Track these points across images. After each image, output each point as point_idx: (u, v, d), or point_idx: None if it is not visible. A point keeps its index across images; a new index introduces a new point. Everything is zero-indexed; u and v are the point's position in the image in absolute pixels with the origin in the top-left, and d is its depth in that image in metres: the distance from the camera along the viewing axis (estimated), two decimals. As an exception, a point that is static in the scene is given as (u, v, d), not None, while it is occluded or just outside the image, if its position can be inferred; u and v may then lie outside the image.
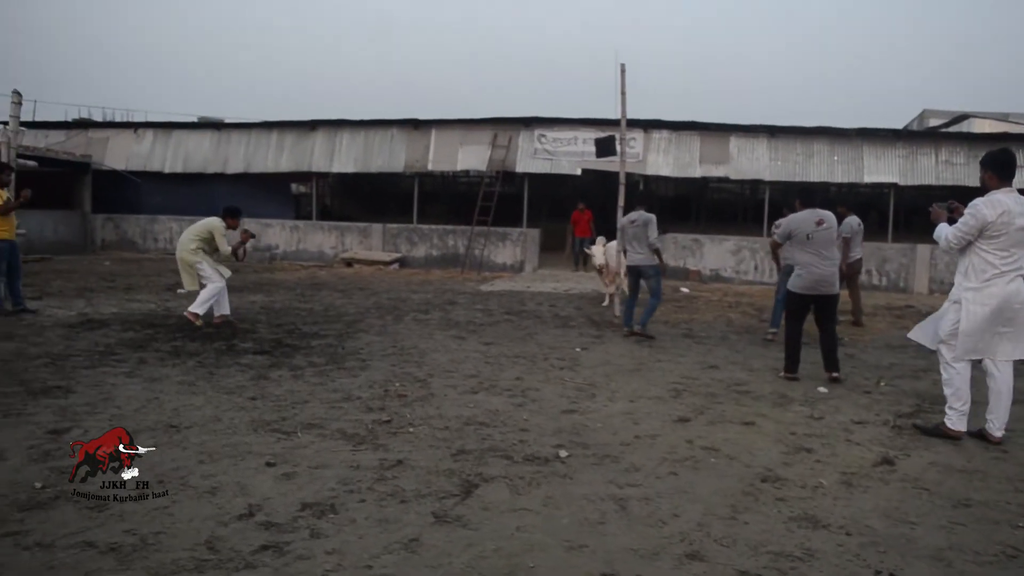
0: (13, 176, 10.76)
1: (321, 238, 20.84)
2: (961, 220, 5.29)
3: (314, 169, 21.18)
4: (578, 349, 8.73)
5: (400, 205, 23.28)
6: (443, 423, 5.48)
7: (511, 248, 19.68)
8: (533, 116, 19.85)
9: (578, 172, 19.57)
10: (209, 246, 9.52)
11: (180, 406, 5.74)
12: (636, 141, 19.17)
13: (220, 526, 3.57)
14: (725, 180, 19.52)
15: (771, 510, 4.01)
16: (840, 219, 9.68)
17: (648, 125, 19.29)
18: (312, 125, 21.21)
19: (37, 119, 23.52)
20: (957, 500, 4.23)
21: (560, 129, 19.53)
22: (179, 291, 9.83)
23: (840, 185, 20.33)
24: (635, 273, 9.71)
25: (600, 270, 12.61)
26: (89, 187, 21.43)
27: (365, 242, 20.47)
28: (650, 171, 19.41)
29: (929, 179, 18.04)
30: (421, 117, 20.60)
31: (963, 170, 17.59)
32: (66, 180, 21.40)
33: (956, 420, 5.36)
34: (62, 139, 22.06)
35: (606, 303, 12.52)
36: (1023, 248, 5.14)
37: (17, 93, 15.50)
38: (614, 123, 19.23)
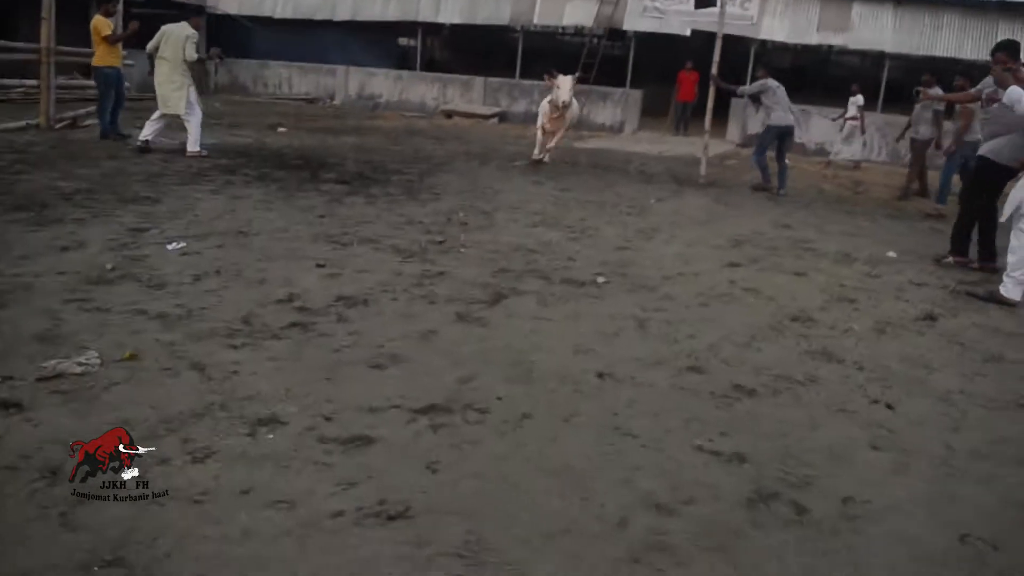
0: (120, 7, 11.12)
1: (423, 89, 20.89)
2: None
3: (420, 19, 20.95)
4: (652, 200, 8.68)
5: (506, 61, 22.84)
6: (494, 247, 5.66)
7: (612, 108, 19.25)
8: (645, -33, 18.87)
9: (687, 33, 18.68)
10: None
11: (253, 217, 6.11)
12: (751, 3, 18.06)
13: (259, 307, 3.90)
14: (845, 50, 18.22)
15: (790, 343, 4.05)
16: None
17: (765, -17, 18.09)
18: (420, -28, 20.85)
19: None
20: (990, 355, 4.13)
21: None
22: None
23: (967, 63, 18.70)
24: (785, 134, 10.16)
25: (552, 114, 10.34)
26: (204, 31, 21.95)
27: (467, 95, 20.41)
28: (763, 35, 18.33)
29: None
30: (529, -33, 19.90)
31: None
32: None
33: (1012, 288, 5.14)
34: (178, -20, 22.53)
35: (539, 154, 10.77)
36: None
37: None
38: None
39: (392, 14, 21.14)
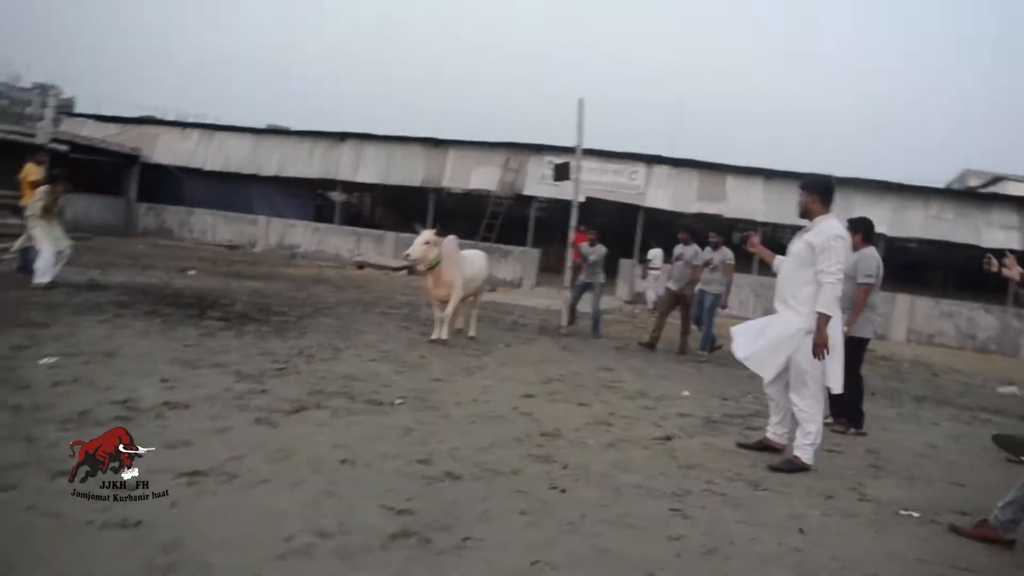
0: (46, 157, 12.33)
1: (339, 241, 22.39)
2: None
3: (340, 177, 22.82)
4: (501, 345, 9.89)
5: (435, 218, 24.38)
6: (324, 375, 6.73)
7: (512, 265, 20.91)
8: (544, 143, 21.12)
9: (582, 199, 20.70)
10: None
11: (126, 343, 7.11)
12: (638, 174, 20.32)
13: (96, 405, 4.91)
14: (719, 217, 20.38)
15: (523, 450, 5.13)
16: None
17: (650, 160, 20.42)
18: (341, 137, 22.88)
19: (103, 112, 25.77)
20: (690, 463, 5.27)
21: (568, 157, 20.72)
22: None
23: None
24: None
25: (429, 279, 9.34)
26: (136, 177, 23.43)
27: (379, 248, 21.93)
28: (649, 203, 20.48)
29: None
30: (441, 137, 22.08)
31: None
32: (116, 169, 23.45)
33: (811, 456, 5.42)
34: (118, 132, 24.17)
35: (436, 335, 9.32)
36: None
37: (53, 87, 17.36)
38: (620, 156, 20.56)
39: (315, 171, 22.91)
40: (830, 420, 6.68)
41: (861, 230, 7.04)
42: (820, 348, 5.13)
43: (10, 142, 12.30)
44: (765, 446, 5.70)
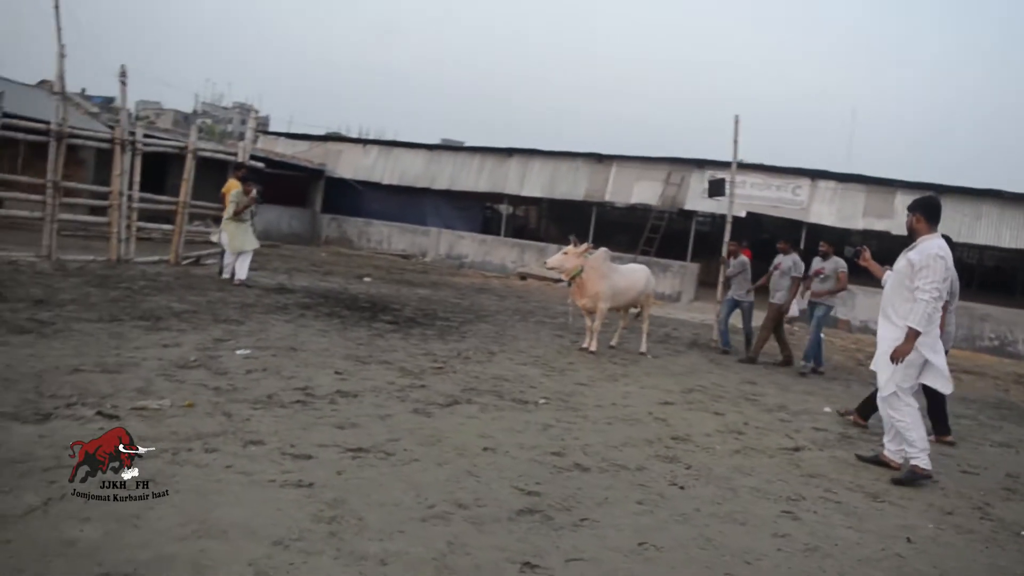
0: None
1: (504, 252, 23.34)
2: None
3: (507, 191, 23.78)
4: (649, 356, 10.22)
5: (597, 231, 24.85)
6: (478, 375, 7.38)
7: (671, 279, 21.01)
8: (705, 158, 21.12)
9: (743, 214, 20.56)
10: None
11: (307, 340, 8.08)
12: (801, 189, 19.91)
13: (281, 391, 5.75)
14: (886, 234, 19.57)
15: (651, 450, 5.53)
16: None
17: (815, 175, 19.96)
18: (509, 152, 23.86)
19: (294, 131, 28.27)
20: (814, 472, 5.48)
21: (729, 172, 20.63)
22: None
23: (1008, 250, 19.73)
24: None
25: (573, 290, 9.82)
26: (321, 191, 25.49)
27: (542, 259, 22.62)
28: (812, 219, 20.00)
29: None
30: (604, 152, 22.57)
31: None
32: (304, 183, 25.64)
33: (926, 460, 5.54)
34: (306, 148, 26.41)
35: (586, 343, 9.81)
36: None
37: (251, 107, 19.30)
38: (783, 171, 20.25)
39: (483, 186, 24.02)
40: (932, 438, 6.62)
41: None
42: (899, 356, 5.32)
43: (216, 159, 13.96)
44: (881, 462, 5.80)
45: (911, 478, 5.41)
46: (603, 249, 10.14)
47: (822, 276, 10.43)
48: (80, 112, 21.54)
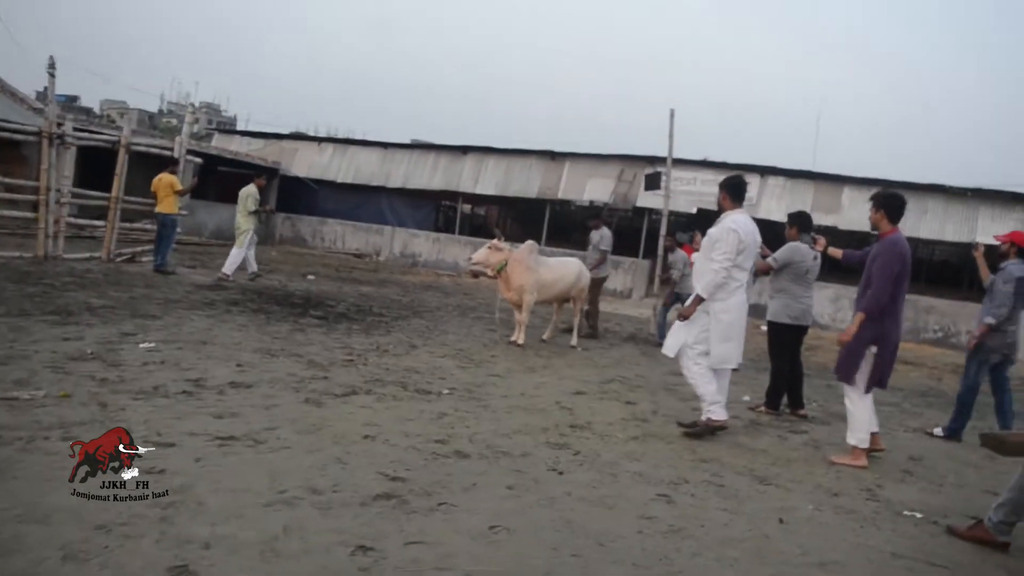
0: (179, 168, 13.70)
1: (457, 251, 23.22)
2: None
3: (461, 189, 23.71)
4: (579, 349, 10.21)
5: (551, 229, 24.78)
6: (389, 367, 7.31)
7: (622, 276, 21.07)
8: (657, 155, 21.18)
9: (693, 211, 20.68)
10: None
11: (222, 334, 7.95)
12: (751, 185, 20.03)
13: (171, 382, 5.64)
14: (834, 229, 19.75)
15: (543, 438, 5.45)
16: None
17: (764, 171, 20.11)
18: (463, 150, 23.80)
19: (251, 128, 27.98)
20: (701, 458, 5.47)
21: (680, 169, 20.72)
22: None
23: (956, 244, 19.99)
24: None
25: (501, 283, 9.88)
26: (276, 189, 25.20)
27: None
28: (762, 215, 20.13)
29: None
30: (557, 150, 22.59)
31: None
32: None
33: (718, 410, 6.04)
34: (261, 146, 26.16)
35: (515, 336, 9.86)
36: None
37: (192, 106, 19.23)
38: (732, 167, 20.37)
39: (438, 183, 23.93)
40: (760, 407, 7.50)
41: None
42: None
43: (152, 154, 13.79)
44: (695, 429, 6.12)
45: (704, 430, 5.95)
46: (529, 242, 10.15)
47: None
48: (24, 108, 21.19)
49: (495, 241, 9.73)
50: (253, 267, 13.51)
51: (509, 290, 9.73)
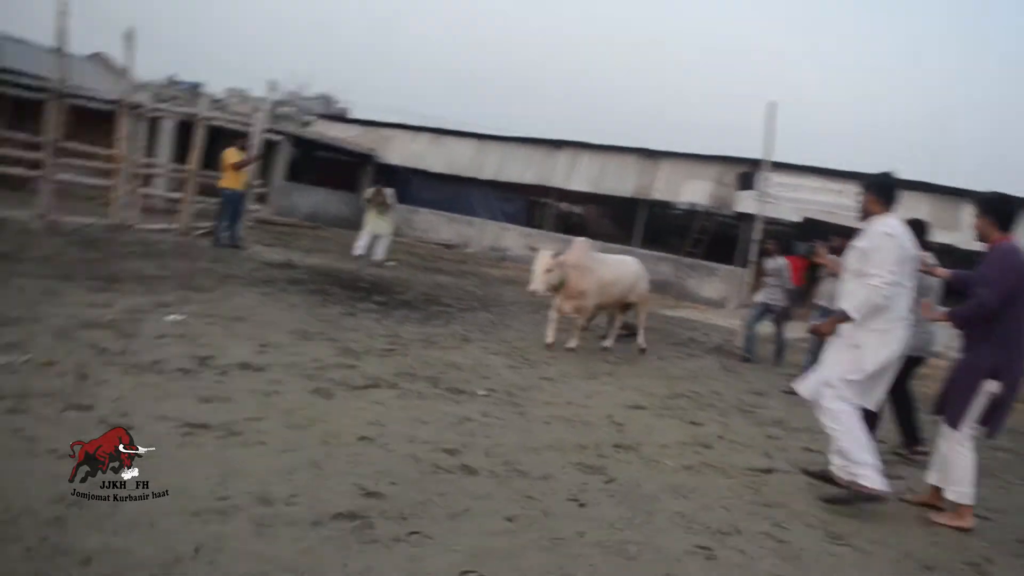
0: (251, 144, 13.44)
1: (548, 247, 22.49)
2: None
3: (553, 184, 22.96)
4: (655, 357, 9.32)
5: (645, 229, 23.73)
6: (428, 361, 6.65)
7: (717, 283, 19.89)
8: (760, 158, 19.85)
9: (798, 219, 19.29)
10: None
11: (264, 312, 7.49)
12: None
13: (178, 357, 5.14)
14: (952, 248, 17.98)
15: (576, 457, 4.68)
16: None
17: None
18: (558, 144, 23.04)
19: (352, 116, 28.06)
20: (763, 501, 4.58)
21: (785, 174, 19.34)
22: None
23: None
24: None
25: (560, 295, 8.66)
26: (370, 175, 25.09)
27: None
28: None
29: None
30: (654, 148, 21.56)
31: None
32: (353, 168, 25.37)
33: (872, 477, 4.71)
34: (358, 133, 26.14)
35: (550, 338, 8.66)
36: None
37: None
38: (842, 174, 18.89)
39: (530, 177, 23.27)
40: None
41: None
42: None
43: (229, 129, 13.69)
44: (828, 478, 4.81)
45: (848, 498, 4.54)
46: (583, 240, 9.28)
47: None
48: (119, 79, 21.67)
49: (547, 258, 8.42)
50: (359, 251, 14.24)
51: (569, 299, 8.60)
